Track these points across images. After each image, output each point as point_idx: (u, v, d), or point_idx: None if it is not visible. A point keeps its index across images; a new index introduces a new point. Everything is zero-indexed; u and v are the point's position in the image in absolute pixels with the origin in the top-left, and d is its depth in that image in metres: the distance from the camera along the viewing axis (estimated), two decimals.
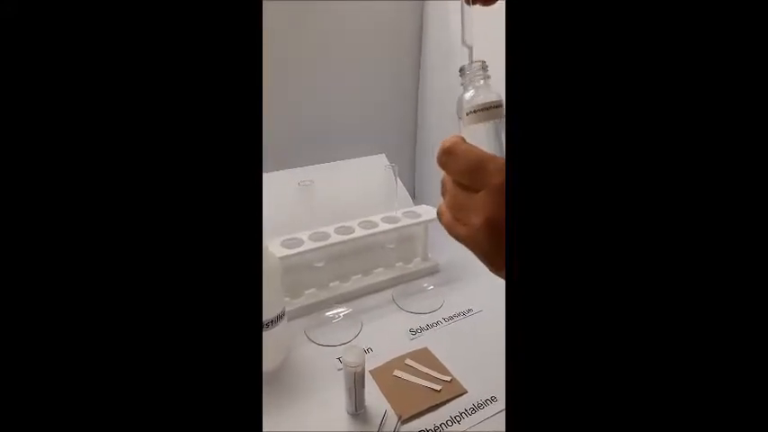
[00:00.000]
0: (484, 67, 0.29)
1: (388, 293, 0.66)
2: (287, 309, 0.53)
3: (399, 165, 0.67)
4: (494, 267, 0.26)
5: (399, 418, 0.44)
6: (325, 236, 0.62)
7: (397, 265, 0.71)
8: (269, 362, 0.51)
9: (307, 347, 0.55)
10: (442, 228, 0.29)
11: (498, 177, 0.24)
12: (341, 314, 0.62)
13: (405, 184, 0.80)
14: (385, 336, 0.57)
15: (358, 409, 0.45)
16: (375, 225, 0.66)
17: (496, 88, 0.29)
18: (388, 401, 0.47)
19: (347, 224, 0.66)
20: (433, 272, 0.72)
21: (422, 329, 0.58)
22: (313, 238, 0.62)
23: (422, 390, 0.48)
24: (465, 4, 0.28)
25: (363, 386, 0.45)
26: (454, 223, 0.27)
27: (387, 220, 0.67)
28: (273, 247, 0.59)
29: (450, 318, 0.60)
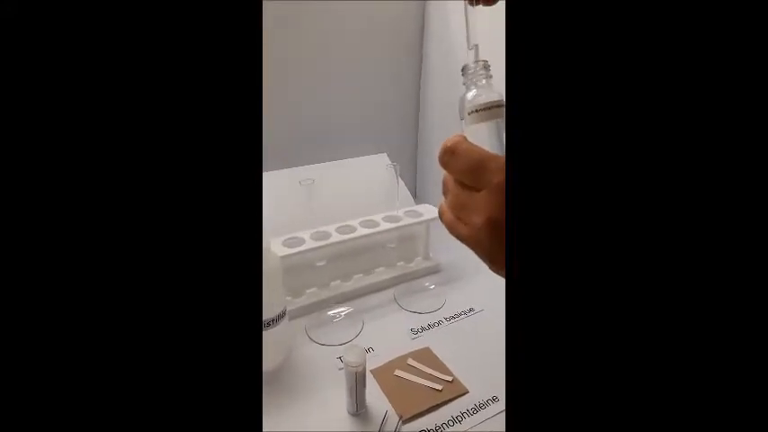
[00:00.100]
0: (486, 67, 0.29)
1: (389, 293, 0.66)
2: (288, 308, 0.53)
3: (401, 164, 0.67)
4: (495, 267, 0.26)
5: (400, 418, 0.44)
6: (327, 235, 0.62)
7: (398, 264, 0.71)
8: (269, 361, 0.51)
9: (308, 347, 0.55)
10: (444, 227, 0.28)
11: (500, 177, 0.24)
12: (342, 313, 0.62)
13: (406, 184, 0.80)
14: (386, 335, 0.57)
15: (359, 409, 0.45)
16: (376, 224, 0.66)
17: (498, 88, 0.29)
18: (389, 401, 0.46)
19: (348, 223, 0.66)
20: (434, 271, 0.72)
21: (423, 329, 0.58)
22: (314, 237, 0.62)
23: (423, 389, 0.48)
24: (468, 5, 0.28)
25: (364, 386, 0.44)
26: (456, 222, 0.27)
27: (388, 219, 0.67)
28: (274, 246, 0.59)
29: (452, 317, 0.60)
